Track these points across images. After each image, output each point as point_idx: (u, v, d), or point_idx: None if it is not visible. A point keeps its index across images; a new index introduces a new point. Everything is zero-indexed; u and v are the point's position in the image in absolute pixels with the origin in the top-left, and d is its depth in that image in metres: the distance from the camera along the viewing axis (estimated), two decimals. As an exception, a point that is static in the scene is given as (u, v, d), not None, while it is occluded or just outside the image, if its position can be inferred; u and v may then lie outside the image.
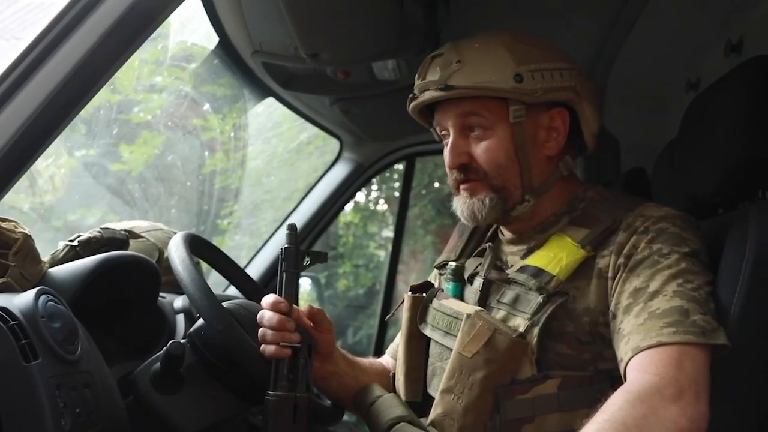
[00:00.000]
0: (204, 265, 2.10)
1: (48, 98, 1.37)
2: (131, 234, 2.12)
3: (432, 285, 1.85)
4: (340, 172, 3.43)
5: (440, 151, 1.80)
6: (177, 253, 1.63)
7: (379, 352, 3.67)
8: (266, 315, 1.57)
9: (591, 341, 1.50)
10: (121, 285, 1.77)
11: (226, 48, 2.52)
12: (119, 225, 2.16)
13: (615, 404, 1.29)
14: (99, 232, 1.99)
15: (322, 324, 1.70)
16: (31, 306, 1.36)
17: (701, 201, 1.72)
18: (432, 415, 1.56)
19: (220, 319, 1.55)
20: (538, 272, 1.55)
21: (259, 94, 2.98)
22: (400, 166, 3.96)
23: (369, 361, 1.91)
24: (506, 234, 1.74)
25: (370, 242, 7.52)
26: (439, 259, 1.89)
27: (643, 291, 1.43)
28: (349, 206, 4.32)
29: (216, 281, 2.70)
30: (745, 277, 1.40)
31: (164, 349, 1.59)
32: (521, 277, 1.57)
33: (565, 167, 1.68)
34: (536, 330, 1.50)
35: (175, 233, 1.90)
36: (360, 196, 7.14)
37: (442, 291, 1.76)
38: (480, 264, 1.72)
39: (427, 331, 1.72)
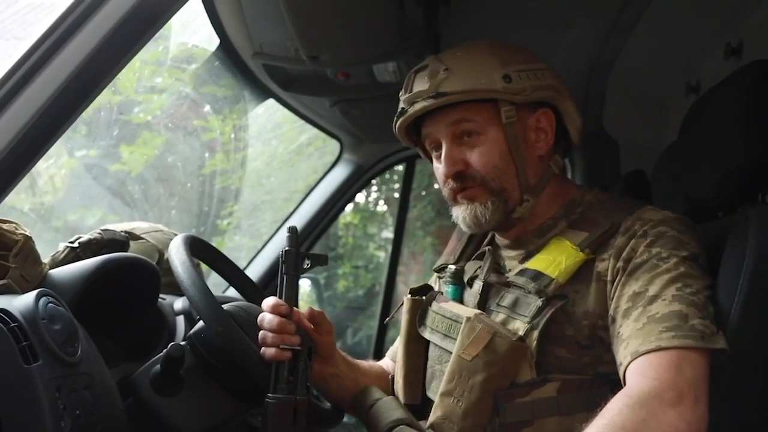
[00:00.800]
0: (203, 267, 2.10)
1: (50, 99, 1.37)
2: (131, 235, 2.12)
3: (431, 288, 1.85)
4: (340, 173, 3.43)
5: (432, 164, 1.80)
6: (177, 255, 1.64)
7: (378, 353, 3.67)
8: (266, 317, 1.58)
9: (590, 345, 1.51)
10: (121, 287, 1.77)
11: (226, 49, 2.53)
12: (119, 226, 2.16)
13: (614, 408, 1.29)
14: (99, 233, 1.99)
15: (322, 326, 1.70)
16: (31, 308, 1.36)
17: (701, 204, 1.72)
18: (431, 418, 1.57)
19: (220, 322, 1.56)
20: (537, 275, 1.55)
21: (260, 96, 2.98)
22: (399, 168, 3.96)
23: (369, 363, 1.91)
24: (504, 239, 1.74)
25: (370, 243, 7.52)
26: (439, 262, 1.89)
27: (642, 295, 1.43)
28: (348, 207, 4.32)
29: (214, 283, 2.70)
30: (744, 282, 1.40)
31: (164, 351, 1.59)
32: (521, 280, 1.58)
33: (556, 166, 1.70)
34: (536, 333, 1.50)
35: (176, 235, 1.90)
36: (360, 197, 7.14)
37: (442, 294, 1.76)
38: (479, 267, 1.72)
39: (427, 334, 1.72)
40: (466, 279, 1.74)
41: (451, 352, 1.58)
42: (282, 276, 1.61)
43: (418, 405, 1.71)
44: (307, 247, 3.26)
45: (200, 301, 1.56)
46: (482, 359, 1.50)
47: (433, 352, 1.71)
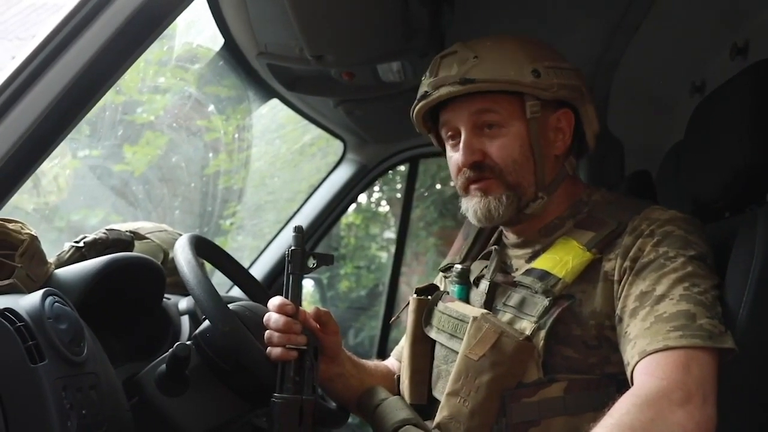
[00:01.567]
0: (207, 266, 2.10)
1: (55, 100, 1.37)
2: (136, 235, 2.12)
3: (437, 287, 1.85)
4: (343, 173, 3.42)
5: (444, 153, 1.79)
6: (183, 255, 1.63)
7: (382, 353, 3.66)
8: (273, 317, 1.57)
9: (598, 345, 1.50)
10: (126, 286, 1.77)
11: (231, 49, 2.52)
12: (124, 226, 2.16)
13: (622, 408, 1.29)
14: (104, 233, 1.98)
15: (328, 326, 1.69)
16: (37, 307, 1.35)
17: (707, 204, 1.72)
18: (438, 418, 1.56)
19: (226, 321, 1.55)
20: (544, 275, 1.55)
21: (264, 96, 2.97)
22: (402, 168, 3.96)
23: (374, 363, 1.91)
24: (510, 238, 1.73)
25: (372, 244, 7.51)
26: (444, 262, 1.89)
27: (649, 294, 1.43)
28: (351, 207, 4.32)
29: (218, 282, 2.69)
30: (752, 281, 1.40)
31: (170, 350, 1.59)
32: (527, 279, 1.57)
33: (570, 167, 1.69)
34: (542, 333, 1.50)
35: (180, 234, 1.90)
36: (362, 198, 7.13)
37: (448, 294, 1.76)
38: (486, 267, 1.71)
39: (433, 334, 1.72)
40: (472, 278, 1.74)
41: (457, 352, 1.58)
42: (288, 275, 1.60)
43: (424, 405, 1.71)
44: (310, 247, 3.26)
45: (206, 301, 1.56)
46: (489, 359, 1.50)
47: (439, 351, 1.70)
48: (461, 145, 1.64)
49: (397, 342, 2.02)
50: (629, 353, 1.40)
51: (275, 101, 2.98)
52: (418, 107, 1.70)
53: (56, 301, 1.41)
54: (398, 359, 1.92)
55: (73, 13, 1.40)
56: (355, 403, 1.75)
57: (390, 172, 3.74)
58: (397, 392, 1.78)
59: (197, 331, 1.68)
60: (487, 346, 1.51)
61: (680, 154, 1.90)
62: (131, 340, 1.84)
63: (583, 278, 1.53)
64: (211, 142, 3.70)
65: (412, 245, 7.07)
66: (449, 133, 1.70)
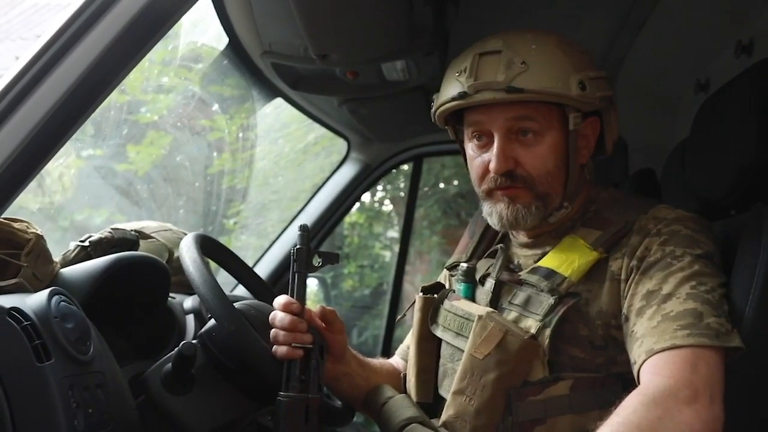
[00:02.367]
0: (211, 265, 2.10)
1: (60, 100, 1.37)
2: (141, 234, 2.13)
3: (443, 286, 1.85)
4: (347, 172, 3.42)
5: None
6: (188, 254, 1.64)
7: (386, 352, 3.67)
8: (278, 316, 1.57)
9: (604, 345, 1.50)
10: (131, 285, 1.77)
11: (235, 48, 2.52)
12: (129, 225, 2.17)
13: (629, 407, 1.28)
14: (110, 232, 1.99)
15: (334, 324, 1.69)
16: (44, 306, 1.36)
17: (713, 202, 1.72)
18: (444, 416, 1.56)
19: (231, 320, 1.56)
20: (550, 274, 1.55)
21: (268, 95, 2.97)
22: (405, 167, 3.96)
23: (379, 361, 1.91)
24: (520, 238, 1.72)
25: (376, 243, 7.51)
26: (450, 260, 1.89)
27: (656, 293, 1.43)
28: (354, 207, 4.32)
29: (222, 281, 2.69)
30: (759, 279, 1.40)
31: (176, 349, 1.59)
32: (533, 278, 1.57)
33: (589, 173, 1.68)
34: (548, 331, 1.50)
35: (185, 234, 1.90)
36: (365, 197, 7.13)
37: (453, 292, 1.76)
38: (491, 265, 1.71)
39: (439, 332, 1.72)
40: (478, 277, 1.73)
41: (463, 351, 1.58)
42: (293, 274, 1.60)
43: (430, 403, 1.70)
44: (314, 246, 3.25)
45: (212, 300, 1.56)
46: (494, 358, 1.50)
47: (445, 350, 1.70)
48: (495, 151, 1.58)
49: (401, 341, 2.02)
50: (636, 352, 1.40)
51: (279, 100, 2.98)
52: (449, 105, 1.62)
53: (62, 300, 1.41)
54: (403, 358, 1.92)
55: (79, 13, 1.40)
56: (361, 401, 1.75)
57: (393, 170, 3.74)
58: (403, 390, 1.78)
59: (203, 329, 1.68)
60: (492, 344, 1.50)
61: (685, 152, 1.90)
62: (137, 338, 1.85)
63: (589, 277, 1.53)
64: (215, 142, 3.71)
65: (415, 244, 7.07)
66: (476, 134, 1.64)
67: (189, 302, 2.08)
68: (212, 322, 1.65)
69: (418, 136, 3.41)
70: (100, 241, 1.95)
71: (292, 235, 3.32)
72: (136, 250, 2.06)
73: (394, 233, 7.38)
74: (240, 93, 3.22)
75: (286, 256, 3.18)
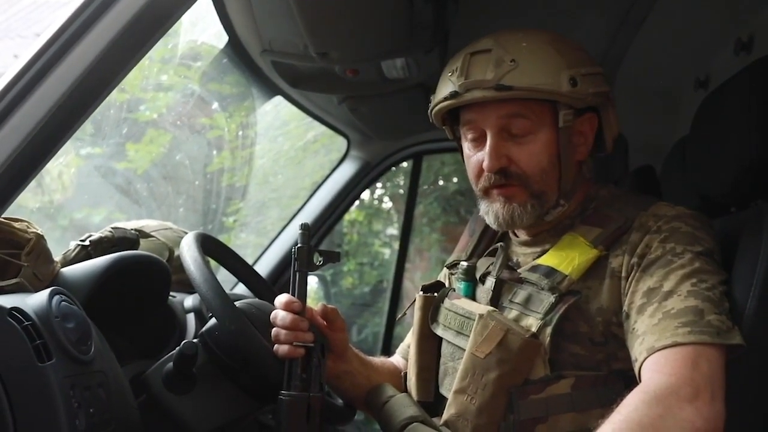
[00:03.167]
0: (212, 264, 2.10)
1: (61, 99, 1.37)
2: (141, 233, 2.13)
3: (443, 284, 1.85)
4: (347, 170, 3.42)
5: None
6: (189, 253, 1.64)
7: (387, 350, 3.67)
8: (279, 315, 1.57)
9: (604, 342, 1.50)
10: (132, 284, 1.77)
11: (235, 47, 2.52)
12: (129, 224, 2.17)
13: (631, 405, 1.28)
14: (110, 231, 1.99)
15: (335, 323, 1.69)
16: (44, 306, 1.36)
17: (713, 199, 1.71)
18: (445, 415, 1.56)
19: (233, 319, 1.56)
20: (550, 272, 1.55)
21: (268, 93, 2.97)
22: (404, 164, 3.96)
23: (380, 360, 1.91)
24: (520, 236, 1.72)
25: (375, 240, 7.51)
26: (450, 259, 1.89)
27: (657, 291, 1.42)
28: (354, 204, 4.32)
29: (222, 279, 2.69)
30: (759, 276, 1.40)
31: (177, 348, 1.59)
32: (533, 276, 1.57)
33: (588, 170, 1.67)
34: (549, 330, 1.50)
35: (185, 232, 1.90)
36: (365, 194, 7.13)
37: (454, 291, 1.76)
38: (492, 263, 1.71)
39: (439, 331, 1.72)
40: (478, 275, 1.73)
41: (464, 349, 1.58)
42: (294, 273, 1.60)
43: (431, 402, 1.70)
44: (314, 244, 3.25)
45: (213, 299, 1.56)
46: (495, 356, 1.50)
47: (445, 349, 1.70)
48: (487, 149, 1.58)
49: (401, 338, 2.02)
50: (637, 349, 1.40)
51: (279, 98, 2.98)
52: (442, 105, 1.63)
53: (63, 300, 1.41)
54: (404, 356, 1.92)
55: (79, 11, 1.40)
56: (363, 400, 1.75)
57: (393, 168, 3.74)
58: (404, 389, 1.78)
59: (204, 329, 1.68)
60: (493, 343, 1.50)
61: (685, 149, 1.90)
62: (138, 338, 1.85)
63: (589, 275, 1.53)
64: (215, 140, 3.71)
65: (415, 241, 7.08)
66: (471, 133, 1.64)
67: (190, 301, 2.08)
68: (213, 321, 1.65)
69: (418, 133, 3.41)
70: (101, 240, 1.95)
71: (292, 234, 3.32)
72: (137, 249, 2.06)
73: (393, 230, 7.38)
74: (240, 91, 3.22)
75: (287, 255, 3.18)
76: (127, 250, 1.95)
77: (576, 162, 1.63)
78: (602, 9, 2.48)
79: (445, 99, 1.60)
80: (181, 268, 1.69)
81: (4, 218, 1.56)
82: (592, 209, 1.63)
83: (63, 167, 3.15)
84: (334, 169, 3.47)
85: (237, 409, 1.66)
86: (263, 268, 3.26)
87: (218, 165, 3.83)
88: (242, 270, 1.95)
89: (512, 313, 1.58)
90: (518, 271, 1.65)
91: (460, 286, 1.74)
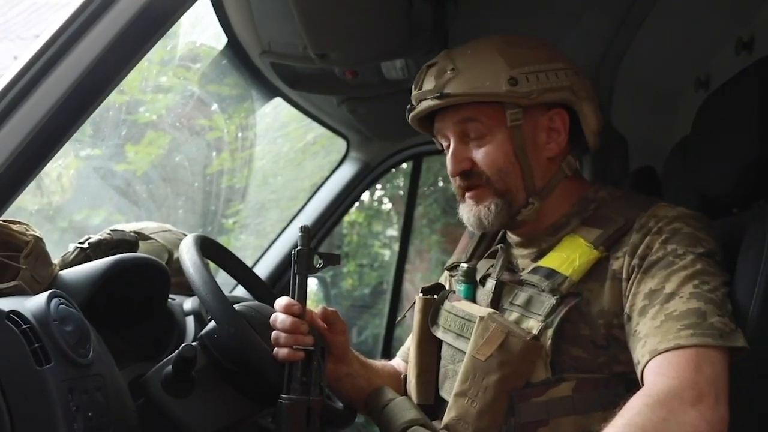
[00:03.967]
0: (211, 266, 2.10)
1: (60, 101, 1.37)
2: (140, 236, 2.12)
3: (443, 287, 1.84)
4: (347, 171, 3.41)
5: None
6: (188, 255, 1.63)
7: (387, 352, 3.67)
8: (279, 318, 1.57)
9: (606, 345, 1.49)
10: (131, 287, 1.76)
11: (234, 48, 2.52)
12: (128, 227, 2.16)
13: (634, 408, 1.28)
14: (109, 234, 1.98)
15: (335, 325, 1.68)
16: (43, 309, 1.35)
17: (714, 200, 1.71)
18: (446, 418, 1.56)
19: (232, 322, 1.55)
20: (550, 273, 1.54)
21: (267, 95, 2.97)
22: (404, 166, 3.95)
23: (381, 363, 1.90)
24: (513, 238, 1.72)
25: (375, 241, 7.51)
26: (450, 261, 1.88)
27: (658, 292, 1.42)
28: (353, 206, 4.31)
29: (221, 282, 2.69)
30: (762, 278, 1.39)
31: (176, 352, 1.58)
32: (534, 278, 1.56)
33: (569, 167, 1.67)
34: (550, 332, 1.49)
35: (185, 234, 1.89)
36: (364, 195, 7.13)
37: (454, 293, 1.75)
38: (492, 265, 1.70)
39: (439, 334, 1.71)
40: (478, 278, 1.73)
41: (464, 352, 1.57)
42: (294, 275, 1.59)
43: (431, 405, 1.70)
44: (314, 246, 3.24)
45: (212, 302, 1.55)
46: (496, 359, 1.49)
47: (446, 351, 1.70)
48: (448, 155, 1.67)
49: (401, 340, 2.02)
50: (639, 352, 1.39)
51: (278, 100, 2.97)
52: (409, 118, 1.72)
53: (61, 303, 1.41)
54: (404, 359, 1.91)
55: (78, 13, 1.39)
56: (363, 403, 1.74)
57: (393, 169, 3.73)
58: (404, 392, 1.78)
59: (203, 331, 1.67)
60: (494, 346, 1.50)
61: (686, 149, 1.89)
62: (137, 341, 1.84)
63: (590, 276, 1.52)
64: (214, 141, 3.70)
65: (415, 243, 7.07)
66: (442, 141, 1.71)
67: (189, 304, 2.07)
68: (212, 323, 1.64)
69: (418, 135, 3.37)
70: (100, 242, 1.94)
71: (291, 235, 3.31)
72: (136, 251, 2.05)
73: (393, 232, 7.37)
74: (239, 92, 3.22)
75: (286, 257, 3.17)
76: (126, 252, 1.94)
77: (545, 159, 1.65)
78: (602, 9, 2.47)
79: (409, 112, 1.70)
80: (180, 271, 1.69)
81: (3, 220, 1.55)
82: (592, 210, 1.62)
83: (62, 169, 3.14)
84: (333, 171, 3.46)
85: (236, 412, 1.65)
86: (263, 270, 3.25)
87: (218, 166, 3.82)
88: (242, 272, 1.95)
89: (513, 316, 1.58)
90: (519, 273, 1.64)
91: (460, 288, 1.74)
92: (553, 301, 1.51)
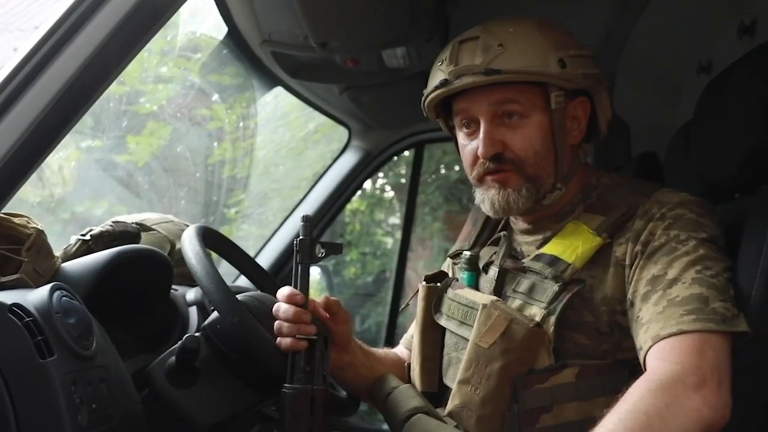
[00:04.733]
0: (213, 255, 2.10)
1: (60, 92, 1.36)
2: (142, 227, 2.12)
3: (446, 274, 1.84)
4: (348, 160, 3.41)
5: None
6: (191, 246, 1.63)
7: (390, 340, 3.67)
8: (282, 307, 1.56)
9: (609, 332, 1.49)
10: (134, 278, 1.76)
11: (234, 38, 2.51)
12: (130, 218, 2.15)
13: (636, 393, 1.28)
14: (111, 225, 1.98)
15: (338, 315, 1.68)
16: (45, 302, 1.35)
17: (717, 185, 1.70)
18: (449, 406, 1.56)
19: (235, 312, 1.55)
20: (553, 260, 1.54)
21: (268, 84, 2.96)
22: (406, 153, 3.95)
23: (384, 351, 1.90)
24: (520, 224, 1.71)
25: (377, 230, 7.51)
26: (453, 248, 1.88)
27: (661, 278, 1.41)
28: (356, 194, 4.31)
29: (223, 272, 2.69)
30: (765, 263, 1.39)
31: (180, 342, 1.58)
32: (537, 265, 1.56)
33: (584, 154, 1.67)
34: (553, 319, 1.49)
35: (186, 225, 1.89)
36: (366, 184, 7.13)
37: (457, 280, 1.75)
38: (495, 253, 1.70)
39: (443, 321, 1.71)
40: (481, 265, 1.72)
41: (467, 340, 1.57)
42: (296, 265, 1.59)
43: (435, 392, 1.70)
44: (316, 235, 3.24)
45: (215, 292, 1.55)
46: (499, 346, 1.49)
47: (449, 339, 1.69)
48: (481, 135, 1.58)
49: (404, 328, 2.02)
50: (642, 338, 1.39)
51: (279, 89, 2.97)
52: (434, 95, 1.62)
53: (64, 296, 1.41)
54: (407, 347, 1.91)
55: (77, 3, 1.39)
56: (366, 391, 1.75)
57: (395, 157, 3.73)
58: (408, 380, 1.78)
59: (206, 322, 1.67)
60: (497, 333, 1.49)
61: (689, 135, 1.88)
62: (140, 332, 1.84)
63: (593, 263, 1.52)
64: (215, 131, 3.69)
65: (417, 230, 7.07)
66: (464, 121, 1.64)
67: (192, 294, 2.08)
68: (215, 314, 1.65)
69: (419, 122, 3.38)
70: (102, 234, 1.94)
71: (293, 225, 3.31)
72: (138, 243, 2.05)
73: (395, 219, 7.37)
74: (240, 82, 3.21)
75: (288, 246, 3.18)
76: (128, 244, 1.94)
77: (570, 146, 1.63)
78: (603, -6, 2.46)
79: (437, 88, 1.60)
80: (182, 262, 1.69)
81: (4, 213, 1.55)
82: (595, 197, 1.62)
83: (63, 161, 3.14)
84: (335, 160, 3.46)
85: (240, 402, 1.66)
86: (265, 260, 3.25)
87: (219, 156, 3.81)
88: (244, 262, 1.95)
89: (516, 303, 1.57)
90: (522, 260, 1.64)
91: (463, 275, 1.74)
92: (556, 288, 1.51)
